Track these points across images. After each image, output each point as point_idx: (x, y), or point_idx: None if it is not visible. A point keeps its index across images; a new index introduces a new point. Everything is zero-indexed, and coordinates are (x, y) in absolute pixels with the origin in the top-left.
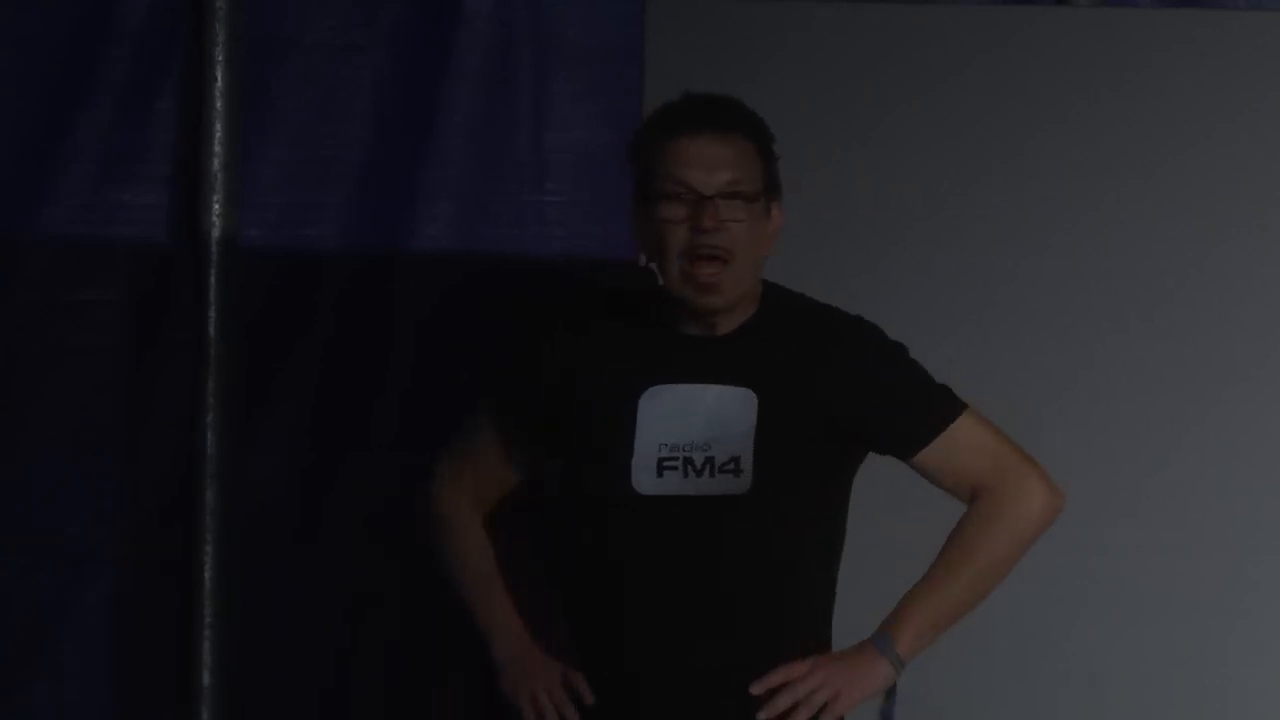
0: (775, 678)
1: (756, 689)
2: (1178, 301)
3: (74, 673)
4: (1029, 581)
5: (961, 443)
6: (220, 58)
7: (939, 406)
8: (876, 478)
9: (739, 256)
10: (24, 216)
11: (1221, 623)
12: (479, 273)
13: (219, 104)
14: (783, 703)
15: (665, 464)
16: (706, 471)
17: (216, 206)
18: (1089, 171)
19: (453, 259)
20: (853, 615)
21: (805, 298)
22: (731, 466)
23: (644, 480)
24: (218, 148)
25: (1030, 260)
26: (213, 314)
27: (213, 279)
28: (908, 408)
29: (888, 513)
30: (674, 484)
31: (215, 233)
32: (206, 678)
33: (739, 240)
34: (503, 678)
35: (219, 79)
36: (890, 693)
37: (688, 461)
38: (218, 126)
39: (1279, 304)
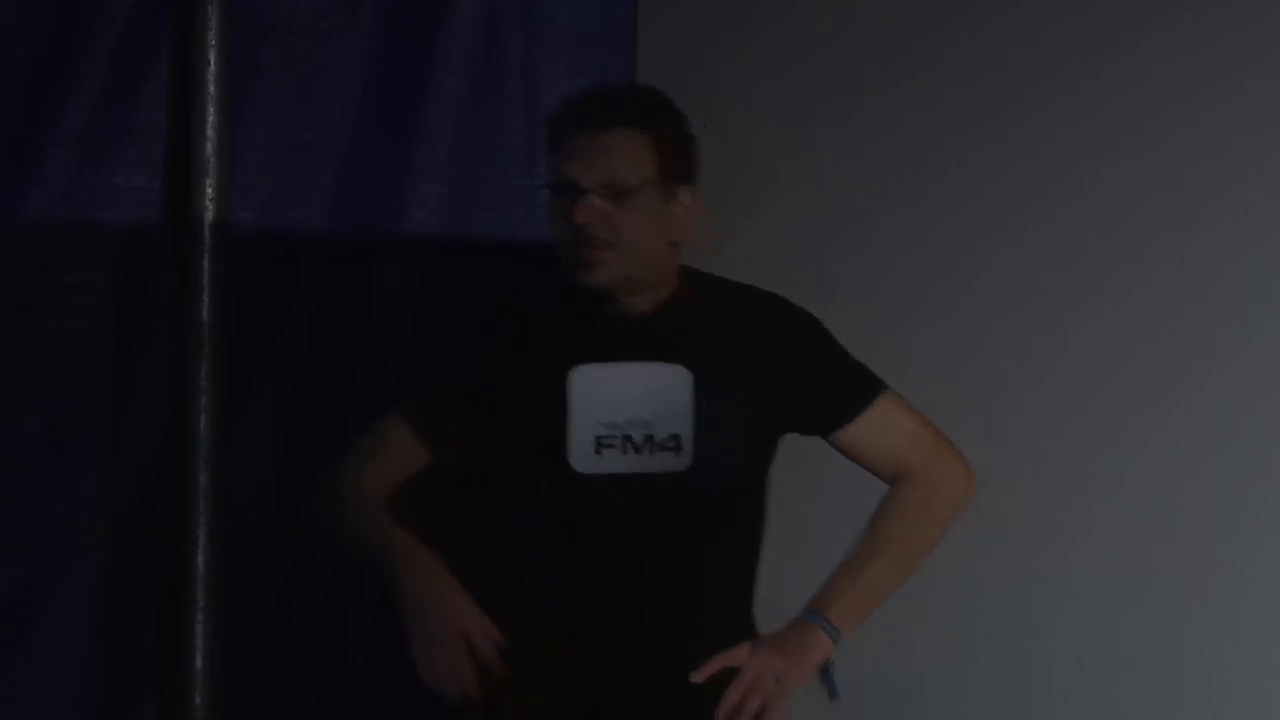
0: (714, 665)
1: (697, 678)
2: (1160, 287)
3: (53, 659)
4: (1017, 567)
5: (883, 422)
6: (213, 41)
7: (861, 385)
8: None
9: (623, 242)
10: (10, 198)
11: (1208, 606)
12: (468, 256)
13: (212, 87)
14: (732, 699)
15: (604, 442)
16: (646, 449)
17: (209, 190)
18: (1077, 156)
19: (441, 242)
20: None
21: (722, 279)
22: (672, 444)
23: (581, 459)
24: (210, 131)
25: (1013, 245)
26: (206, 298)
27: (206, 262)
28: (830, 385)
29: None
30: (613, 462)
31: (208, 216)
32: (199, 661)
33: (621, 227)
34: (405, 611)
35: (211, 62)
36: (827, 667)
37: (627, 439)
38: (210, 109)
39: (1261, 290)
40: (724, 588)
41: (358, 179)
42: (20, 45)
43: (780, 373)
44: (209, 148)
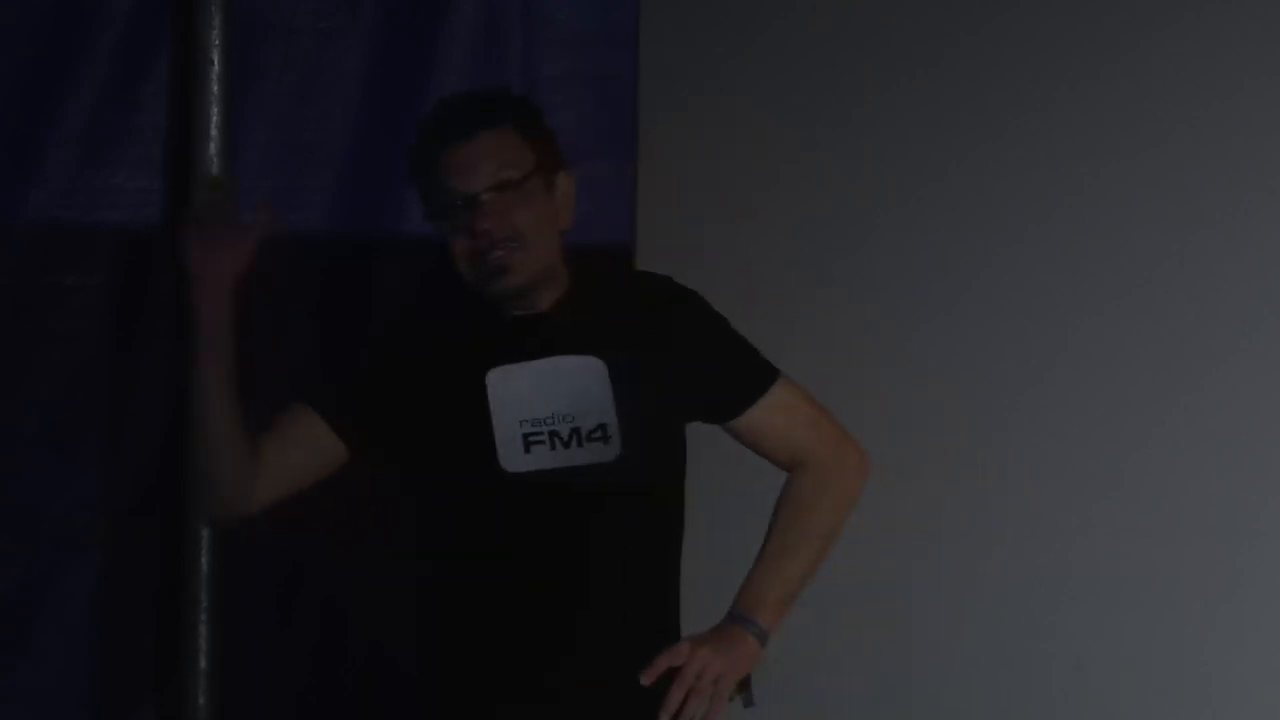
0: (661, 663)
1: (646, 679)
2: (1160, 287)
3: (53, 659)
4: (1016, 567)
5: (782, 407)
6: (216, 41)
7: (758, 370)
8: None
9: (526, 237)
10: (11, 199)
11: (1208, 606)
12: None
13: (215, 87)
14: (675, 699)
15: (531, 440)
16: (574, 441)
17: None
18: (1077, 156)
19: (442, 242)
20: None
21: (610, 270)
22: (599, 434)
23: (511, 458)
24: (214, 131)
25: (1013, 245)
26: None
27: None
28: (730, 369)
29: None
30: (543, 458)
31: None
32: (203, 661)
33: (521, 223)
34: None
35: (215, 61)
36: (746, 680)
37: (554, 434)
38: (214, 109)
39: (1261, 290)
40: (656, 579)
41: (358, 179)
42: (21, 45)
43: (683, 357)
44: (212, 148)
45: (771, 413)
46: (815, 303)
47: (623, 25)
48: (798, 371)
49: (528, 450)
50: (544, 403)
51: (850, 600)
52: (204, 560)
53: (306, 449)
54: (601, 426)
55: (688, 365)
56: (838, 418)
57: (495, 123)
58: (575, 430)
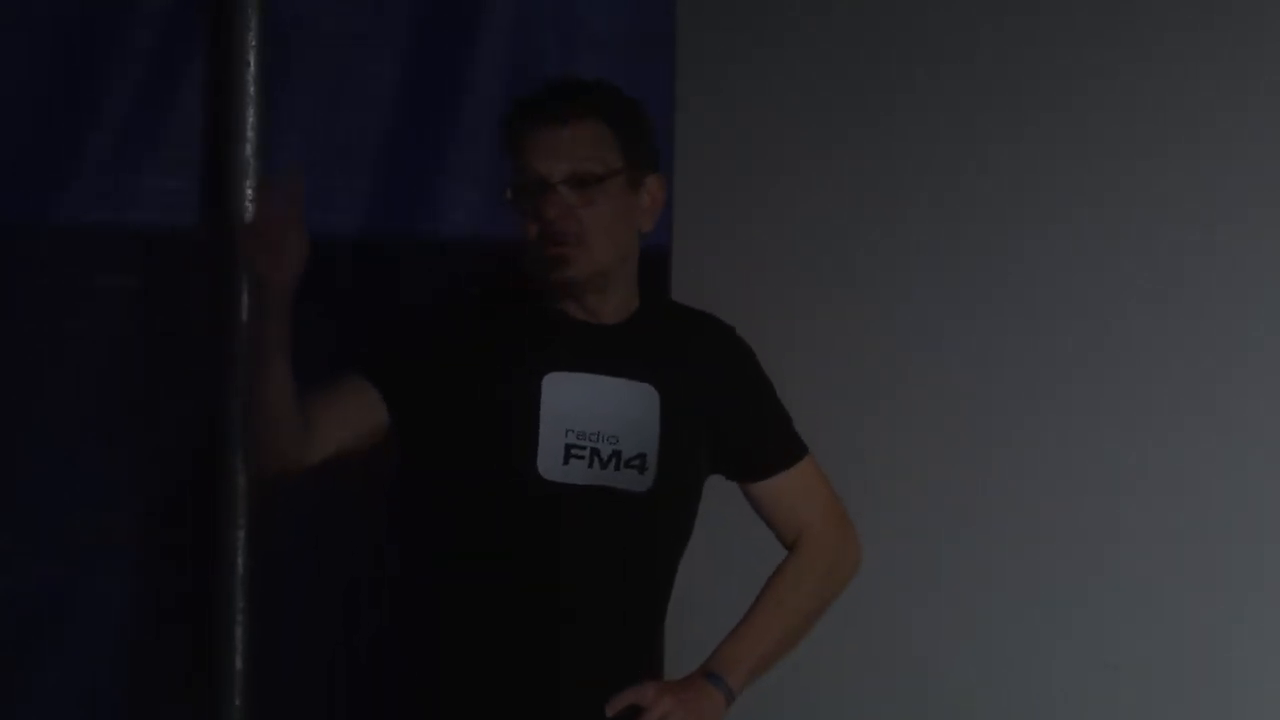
0: (626, 698)
1: (610, 710)
2: (1185, 287)
3: (79, 663)
4: (1046, 570)
5: (804, 483)
6: (253, 41)
7: (791, 440)
8: None
9: (591, 237)
10: (45, 201)
11: (1239, 608)
12: (506, 258)
13: (252, 89)
14: None
15: (572, 451)
16: (613, 464)
17: (250, 192)
18: (1097, 155)
19: (479, 245)
20: None
21: (683, 306)
22: (637, 462)
23: (549, 465)
24: (250, 133)
25: (1036, 245)
26: (245, 300)
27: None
28: (768, 435)
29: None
30: (579, 473)
31: (248, 217)
32: (239, 662)
33: (590, 222)
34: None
35: (251, 63)
36: None
37: (594, 452)
38: (250, 110)
39: None
40: (655, 611)
41: (395, 182)
42: (55, 45)
43: (729, 410)
44: (248, 149)
45: (792, 485)
46: (855, 302)
47: (658, 27)
48: (843, 369)
49: (566, 461)
50: (592, 419)
51: (859, 601)
52: (239, 562)
53: (353, 411)
54: (641, 456)
55: (731, 419)
56: (887, 412)
57: (589, 114)
58: (616, 453)
